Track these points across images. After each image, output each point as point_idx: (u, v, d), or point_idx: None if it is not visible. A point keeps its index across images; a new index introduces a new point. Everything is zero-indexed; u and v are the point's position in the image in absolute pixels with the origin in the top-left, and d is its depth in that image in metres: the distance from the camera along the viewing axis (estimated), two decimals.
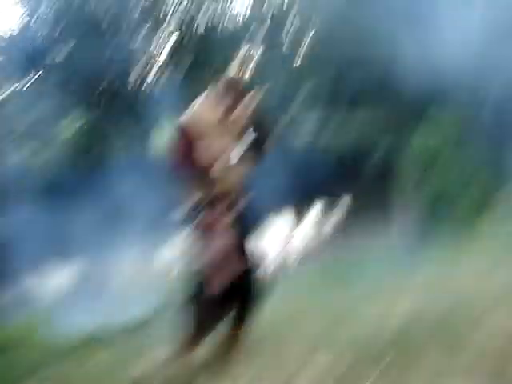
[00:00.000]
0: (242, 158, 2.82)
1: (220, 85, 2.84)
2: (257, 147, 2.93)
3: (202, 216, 2.77)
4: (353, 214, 11.34)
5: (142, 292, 5.59)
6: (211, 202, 2.78)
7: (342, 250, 6.37)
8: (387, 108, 17.83)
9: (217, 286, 2.75)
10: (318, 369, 2.62)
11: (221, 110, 2.79)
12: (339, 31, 13.59)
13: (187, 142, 2.77)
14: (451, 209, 6.84)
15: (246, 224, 2.93)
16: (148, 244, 8.27)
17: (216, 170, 2.70)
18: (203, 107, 2.83)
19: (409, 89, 12.91)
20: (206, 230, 2.78)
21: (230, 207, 2.83)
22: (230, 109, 2.79)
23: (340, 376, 2.48)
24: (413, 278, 4.30)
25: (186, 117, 2.83)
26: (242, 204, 2.90)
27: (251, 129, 2.89)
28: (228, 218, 2.81)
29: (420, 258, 4.98)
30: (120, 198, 8.44)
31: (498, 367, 2.50)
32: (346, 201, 13.19)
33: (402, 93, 13.80)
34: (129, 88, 12.14)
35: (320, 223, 11.88)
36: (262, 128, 2.93)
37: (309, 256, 7.89)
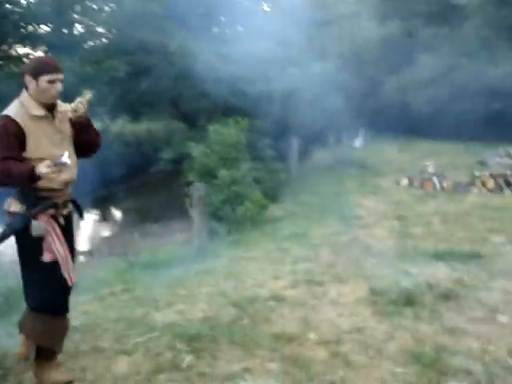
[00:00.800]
0: (69, 157, 2.72)
1: (33, 66, 2.69)
2: (85, 147, 2.92)
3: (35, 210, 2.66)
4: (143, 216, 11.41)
5: None
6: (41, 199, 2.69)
7: (133, 252, 6.41)
8: (172, 119, 18.45)
9: (72, 277, 2.75)
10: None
11: (45, 103, 2.69)
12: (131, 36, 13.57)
13: (12, 134, 2.60)
14: (228, 221, 7.47)
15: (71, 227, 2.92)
16: None
17: (43, 167, 2.54)
18: (28, 101, 2.68)
19: (195, 101, 13.63)
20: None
21: (60, 207, 2.79)
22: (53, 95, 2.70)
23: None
24: (203, 282, 4.56)
25: (10, 109, 2.67)
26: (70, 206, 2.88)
27: (79, 128, 2.82)
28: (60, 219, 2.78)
29: (209, 262, 5.38)
30: None
31: (286, 364, 2.98)
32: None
33: (189, 104, 14.50)
34: None
35: (108, 225, 11.58)
36: (88, 127, 2.87)
37: (99, 258, 7.68)
